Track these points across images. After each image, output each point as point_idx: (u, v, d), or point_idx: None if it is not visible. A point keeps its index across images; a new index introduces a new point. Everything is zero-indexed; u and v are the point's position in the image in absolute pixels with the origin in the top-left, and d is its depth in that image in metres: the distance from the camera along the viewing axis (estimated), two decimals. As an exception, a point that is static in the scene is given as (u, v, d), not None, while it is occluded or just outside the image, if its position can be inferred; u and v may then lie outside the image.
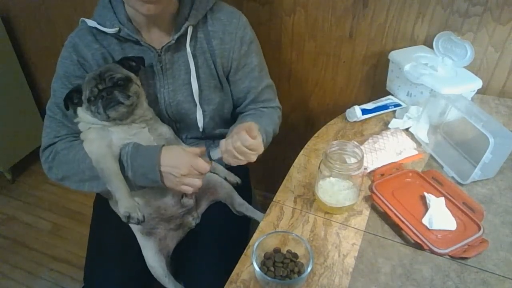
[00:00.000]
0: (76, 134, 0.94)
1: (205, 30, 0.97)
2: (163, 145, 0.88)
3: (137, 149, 0.87)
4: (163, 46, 0.93)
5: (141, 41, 0.91)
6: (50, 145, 0.96)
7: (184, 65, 0.96)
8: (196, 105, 0.99)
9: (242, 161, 0.82)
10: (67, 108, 0.90)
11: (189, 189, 0.86)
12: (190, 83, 0.97)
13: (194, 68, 0.96)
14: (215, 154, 0.84)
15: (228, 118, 1.10)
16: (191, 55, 0.95)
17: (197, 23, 0.94)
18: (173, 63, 0.96)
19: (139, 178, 0.87)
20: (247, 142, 0.78)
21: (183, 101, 0.99)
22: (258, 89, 1.05)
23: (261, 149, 0.82)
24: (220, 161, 0.87)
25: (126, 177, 0.87)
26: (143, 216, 0.84)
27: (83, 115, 0.90)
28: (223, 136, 1.12)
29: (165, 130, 0.98)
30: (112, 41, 0.93)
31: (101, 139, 0.88)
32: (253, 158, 0.82)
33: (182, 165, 0.84)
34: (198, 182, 0.85)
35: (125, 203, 0.83)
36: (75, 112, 0.92)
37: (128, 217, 0.82)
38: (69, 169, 0.91)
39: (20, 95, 2.05)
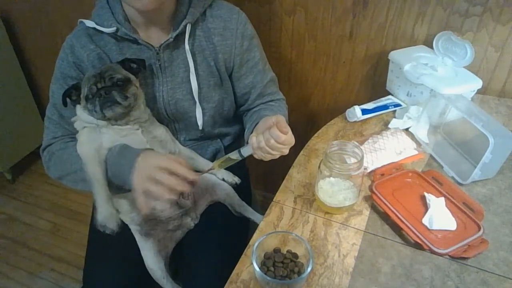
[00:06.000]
0: (72, 135, 0.95)
1: (204, 28, 0.97)
2: (148, 148, 0.86)
3: (122, 149, 0.86)
4: (161, 44, 0.93)
5: (138, 40, 0.92)
6: (47, 146, 0.97)
7: (183, 63, 0.96)
8: (195, 103, 0.99)
9: (276, 155, 0.82)
10: (65, 105, 0.91)
11: (154, 193, 0.77)
12: (189, 81, 0.97)
13: (193, 66, 0.96)
14: (246, 151, 0.84)
15: (229, 117, 1.10)
16: (189, 53, 0.95)
17: (195, 20, 0.94)
18: (171, 61, 0.96)
19: (117, 178, 0.85)
20: (280, 139, 0.77)
21: (182, 99, 0.99)
22: (264, 82, 1.05)
23: (293, 142, 0.82)
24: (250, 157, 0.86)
25: (108, 179, 0.86)
26: (118, 226, 0.83)
27: (81, 113, 0.91)
28: (222, 135, 1.13)
29: (161, 132, 0.97)
30: (110, 41, 0.93)
31: (91, 142, 0.88)
32: (286, 151, 0.81)
33: (150, 164, 0.79)
34: (161, 192, 0.76)
35: (103, 212, 0.83)
36: (74, 109, 0.93)
37: (104, 226, 0.82)
38: (63, 169, 0.93)
39: (20, 95, 2.05)
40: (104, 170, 0.86)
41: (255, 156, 0.83)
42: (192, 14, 0.93)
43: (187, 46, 0.94)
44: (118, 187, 0.86)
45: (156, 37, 0.95)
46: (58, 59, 0.95)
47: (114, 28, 0.90)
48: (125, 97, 0.86)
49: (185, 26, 0.92)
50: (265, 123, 0.81)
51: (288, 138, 0.79)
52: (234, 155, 0.85)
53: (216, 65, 0.99)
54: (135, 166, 0.80)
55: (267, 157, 0.82)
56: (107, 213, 0.83)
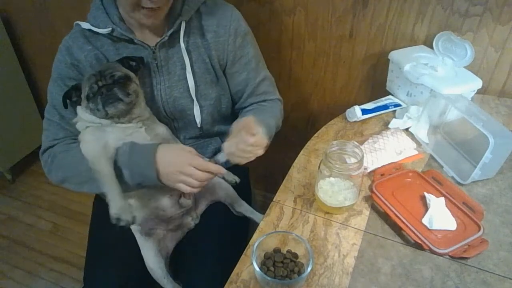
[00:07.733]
0: (74, 137, 0.95)
1: (199, 25, 0.97)
2: (160, 143, 0.88)
3: (133, 148, 0.87)
4: (157, 43, 0.93)
5: (134, 39, 0.92)
6: (48, 148, 0.97)
7: (179, 61, 0.97)
8: (193, 101, 1.00)
9: (250, 157, 0.82)
10: (66, 107, 0.91)
11: (185, 188, 0.85)
12: (186, 79, 0.97)
13: (189, 63, 0.96)
14: (221, 157, 0.84)
15: (228, 114, 1.10)
16: (185, 50, 0.95)
17: (190, 18, 0.95)
18: (168, 59, 0.96)
19: (136, 176, 0.86)
20: (249, 141, 0.78)
21: (179, 97, 0.99)
22: (256, 80, 1.05)
23: (264, 143, 0.82)
24: (228, 163, 0.86)
25: (121, 177, 0.86)
26: (134, 218, 0.83)
27: (82, 113, 0.91)
28: (221, 133, 1.13)
29: (162, 130, 0.97)
30: (106, 42, 0.94)
31: (97, 140, 0.88)
32: (260, 152, 0.82)
33: (180, 161, 0.83)
34: (194, 181, 0.83)
35: (116, 205, 0.82)
36: (75, 110, 0.93)
37: (118, 219, 0.81)
38: (67, 172, 0.92)
39: (20, 95, 2.05)
40: (112, 166, 0.85)
41: (231, 161, 0.83)
42: (187, 12, 0.93)
43: (182, 44, 0.94)
44: (125, 188, 0.86)
45: (151, 36, 0.95)
46: (55, 61, 0.95)
47: (110, 29, 0.90)
48: (127, 94, 0.86)
49: (179, 24, 0.93)
50: (236, 126, 0.81)
51: (258, 140, 0.79)
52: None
53: (211, 62, 0.99)
54: (158, 162, 0.84)
55: (242, 161, 0.82)
56: (121, 205, 0.83)
